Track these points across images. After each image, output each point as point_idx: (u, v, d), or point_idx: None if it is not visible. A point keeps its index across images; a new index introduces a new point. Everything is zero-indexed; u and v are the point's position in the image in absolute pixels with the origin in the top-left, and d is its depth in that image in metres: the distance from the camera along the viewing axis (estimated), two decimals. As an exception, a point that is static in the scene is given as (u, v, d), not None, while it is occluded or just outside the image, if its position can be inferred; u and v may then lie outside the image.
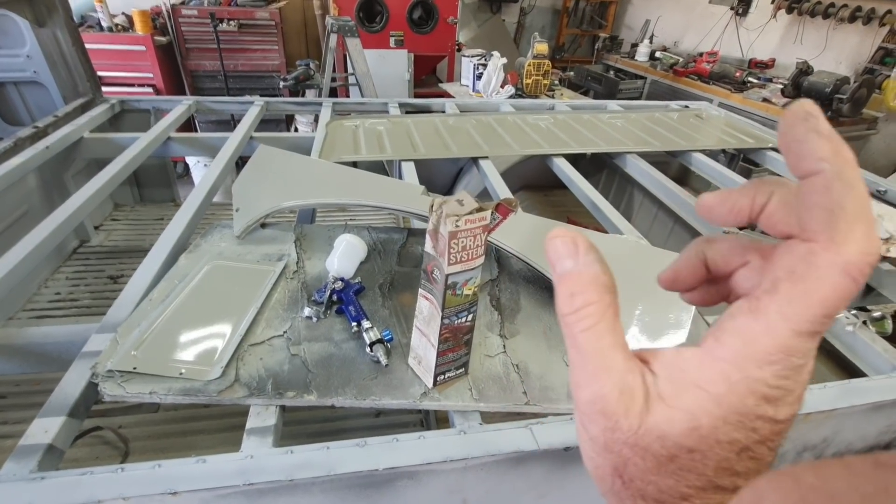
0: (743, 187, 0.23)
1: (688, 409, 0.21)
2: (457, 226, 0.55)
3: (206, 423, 1.17)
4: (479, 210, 0.56)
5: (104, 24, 3.59)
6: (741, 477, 0.21)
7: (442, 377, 0.69)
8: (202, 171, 2.97)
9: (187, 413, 1.19)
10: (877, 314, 1.13)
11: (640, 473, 0.21)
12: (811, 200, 0.19)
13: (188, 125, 3.55)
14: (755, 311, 0.20)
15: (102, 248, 1.81)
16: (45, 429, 0.63)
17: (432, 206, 0.57)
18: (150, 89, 3.68)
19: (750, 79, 3.64)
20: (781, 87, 3.25)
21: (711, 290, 0.27)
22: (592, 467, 0.23)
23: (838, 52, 3.67)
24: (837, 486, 0.20)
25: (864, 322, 0.93)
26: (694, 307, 0.84)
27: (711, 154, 1.71)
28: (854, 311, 0.96)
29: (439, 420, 1.12)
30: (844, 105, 2.86)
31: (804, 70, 3.11)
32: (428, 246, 0.60)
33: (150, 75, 3.65)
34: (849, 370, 0.93)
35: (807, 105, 0.20)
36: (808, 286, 0.19)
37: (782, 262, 0.20)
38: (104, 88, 2.02)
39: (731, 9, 4.29)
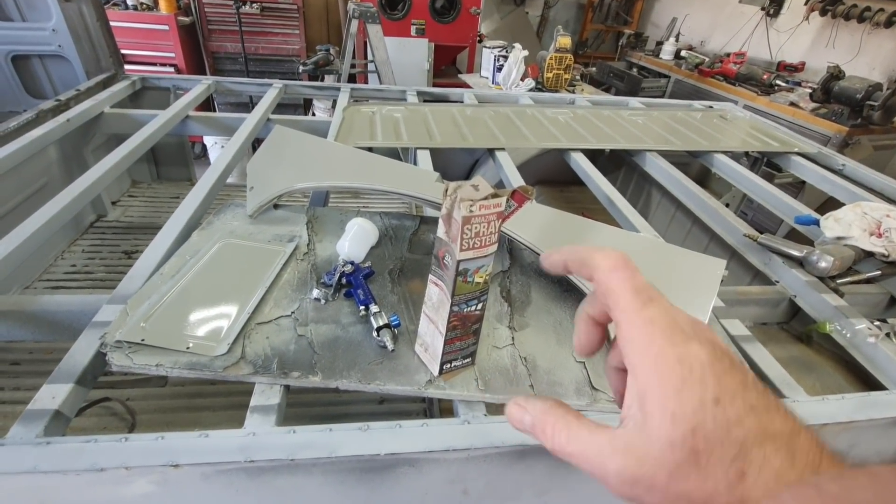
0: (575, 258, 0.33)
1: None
2: (471, 211, 0.54)
3: (212, 400, 1.18)
4: (495, 196, 0.55)
5: (129, 1, 3.62)
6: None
7: (448, 366, 0.68)
8: (219, 152, 2.99)
9: (194, 389, 1.20)
10: (900, 327, 1.09)
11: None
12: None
13: (208, 106, 3.58)
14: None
15: (119, 224, 1.83)
16: (52, 395, 0.64)
17: (446, 190, 0.55)
18: (171, 69, 3.70)
19: (778, 82, 3.54)
20: (810, 91, 3.15)
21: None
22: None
23: (872, 57, 3.55)
24: (862, 497, 0.21)
25: (888, 334, 0.90)
26: (710, 311, 0.82)
27: (734, 156, 1.67)
28: (877, 323, 0.93)
29: (443, 410, 1.11)
30: (875, 112, 2.77)
31: (835, 74, 3.01)
32: (440, 231, 0.59)
33: (172, 55, 3.68)
34: (868, 382, 0.90)
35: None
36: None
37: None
38: (126, 66, 2.04)
39: (762, 9, 4.18)
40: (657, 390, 0.26)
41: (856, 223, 1.13)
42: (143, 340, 0.69)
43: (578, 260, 0.32)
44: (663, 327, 0.28)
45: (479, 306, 0.64)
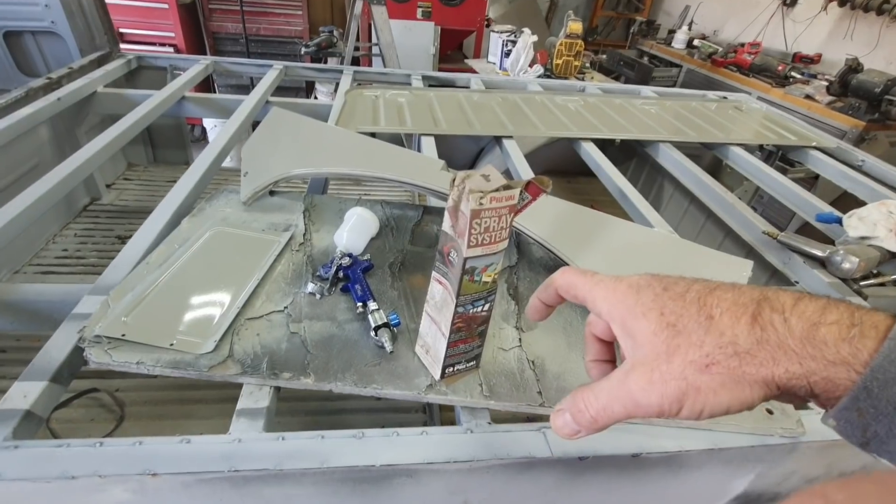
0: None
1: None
2: (480, 204, 0.48)
3: (205, 393, 1.14)
4: (507, 188, 0.49)
5: (128, -22, 3.52)
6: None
7: (451, 369, 0.64)
8: (219, 135, 2.93)
9: (185, 381, 1.16)
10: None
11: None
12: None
13: (208, 89, 3.50)
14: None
15: (113, 207, 1.78)
16: (24, 393, 0.59)
17: (454, 181, 0.50)
18: (170, 49, 3.62)
19: (793, 73, 3.44)
20: (827, 84, 3.06)
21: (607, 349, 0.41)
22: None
23: (890, 51, 3.44)
24: None
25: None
26: None
27: (748, 149, 1.60)
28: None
29: (444, 409, 1.07)
30: (894, 107, 2.69)
31: (853, 67, 2.92)
32: (446, 224, 0.54)
33: (172, 34, 3.59)
34: None
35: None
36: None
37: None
38: (125, 46, 1.98)
39: (779, -2, 4.05)
40: (626, 311, 0.33)
41: (881, 222, 1.07)
42: (123, 336, 0.64)
43: (542, 289, 0.41)
44: (611, 278, 0.35)
45: (487, 307, 0.59)
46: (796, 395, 0.29)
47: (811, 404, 0.70)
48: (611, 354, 0.40)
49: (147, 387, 1.15)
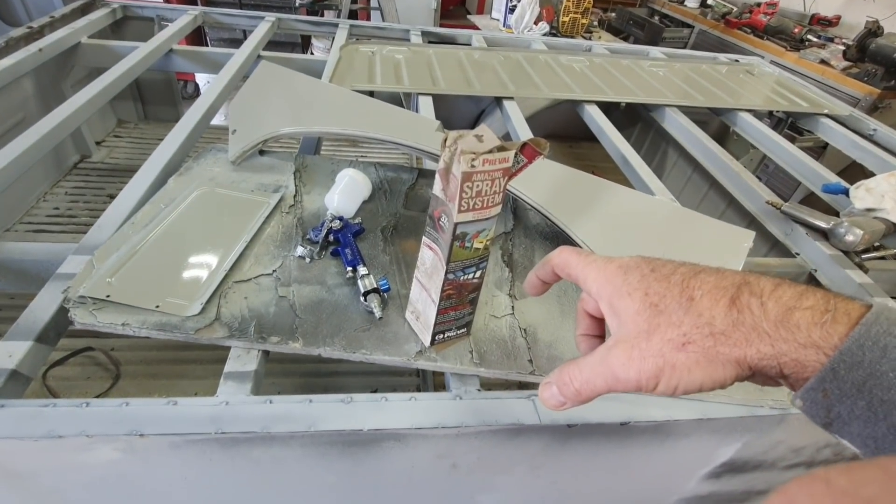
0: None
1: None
2: (472, 166, 0.46)
3: (199, 353, 1.15)
4: (501, 149, 0.47)
5: (112, -80, 3.31)
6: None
7: (441, 336, 0.63)
8: (212, 92, 2.83)
9: (179, 342, 1.17)
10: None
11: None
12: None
13: (200, 42, 3.36)
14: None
15: (104, 165, 1.74)
16: (9, 353, 0.59)
17: (445, 140, 0.47)
18: (160, -1, 3.45)
19: (809, 36, 3.30)
20: (844, 48, 2.94)
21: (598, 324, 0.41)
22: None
23: (914, 13, 3.29)
24: (871, 490, 0.21)
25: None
26: None
27: (757, 115, 1.55)
28: (902, 302, 0.87)
29: (437, 376, 1.07)
30: (912, 74, 2.59)
31: (873, 31, 2.79)
32: (437, 188, 0.52)
33: (161, -17, 3.42)
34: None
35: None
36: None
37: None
38: (111, -5, 1.87)
39: (800, -46, 3.83)
40: (614, 290, 0.34)
41: (889, 194, 1.05)
42: (108, 297, 0.63)
43: (540, 266, 0.42)
44: (603, 259, 0.36)
45: (478, 274, 0.58)
46: (767, 376, 0.30)
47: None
48: (600, 330, 0.41)
49: (142, 346, 1.15)
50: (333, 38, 1.68)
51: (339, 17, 2.85)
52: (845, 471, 0.23)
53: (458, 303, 0.60)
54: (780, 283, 0.30)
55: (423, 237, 0.58)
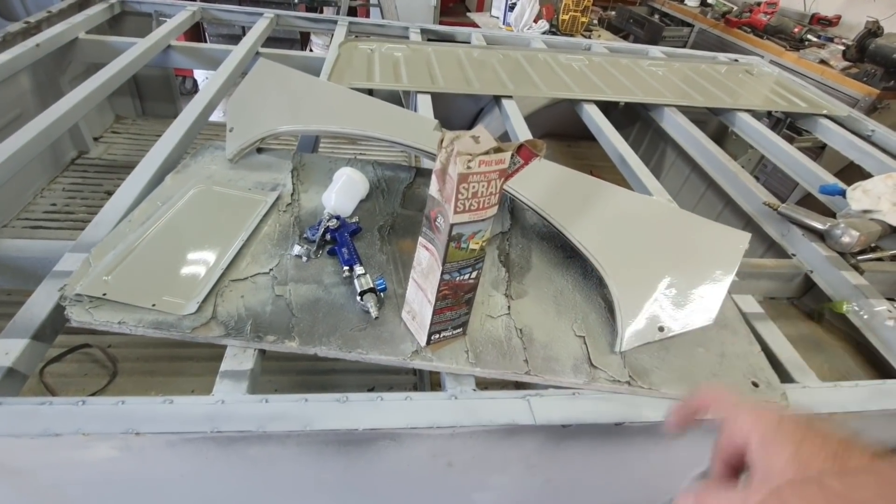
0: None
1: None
2: (469, 167, 0.46)
3: (196, 351, 1.15)
4: (498, 150, 0.47)
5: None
6: None
7: (437, 336, 0.63)
8: (211, 88, 2.82)
9: (176, 339, 1.17)
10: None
11: None
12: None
13: (199, 38, 3.35)
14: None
15: (101, 161, 1.74)
16: (6, 350, 0.59)
17: (442, 141, 0.47)
18: (159, -6, 3.43)
19: (809, 36, 3.29)
20: (843, 48, 2.94)
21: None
22: None
23: (914, 13, 3.28)
24: (864, 494, 0.21)
25: (909, 317, 0.84)
26: (726, 290, 0.75)
27: (756, 116, 1.55)
28: (897, 304, 0.87)
29: (433, 374, 1.07)
30: (911, 74, 2.59)
31: (873, 31, 2.79)
32: (433, 188, 0.52)
33: (160, -22, 3.40)
34: (879, 367, 0.86)
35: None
36: None
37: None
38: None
39: (801, -47, 3.82)
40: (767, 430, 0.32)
41: (886, 196, 1.05)
42: (104, 295, 0.63)
43: (683, 404, 0.41)
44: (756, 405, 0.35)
45: (474, 275, 0.58)
46: None
47: (796, 378, 0.70)
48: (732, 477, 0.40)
49: (139, 343, 1.15)
50: (332, 35, 1.68)
51: (338, 13, 2.84)
52: (839, 474, 0.23)
53: (454, 303, 0.60)
54: (854, 482, 0.27)
55: (420, 237, 0.58)
